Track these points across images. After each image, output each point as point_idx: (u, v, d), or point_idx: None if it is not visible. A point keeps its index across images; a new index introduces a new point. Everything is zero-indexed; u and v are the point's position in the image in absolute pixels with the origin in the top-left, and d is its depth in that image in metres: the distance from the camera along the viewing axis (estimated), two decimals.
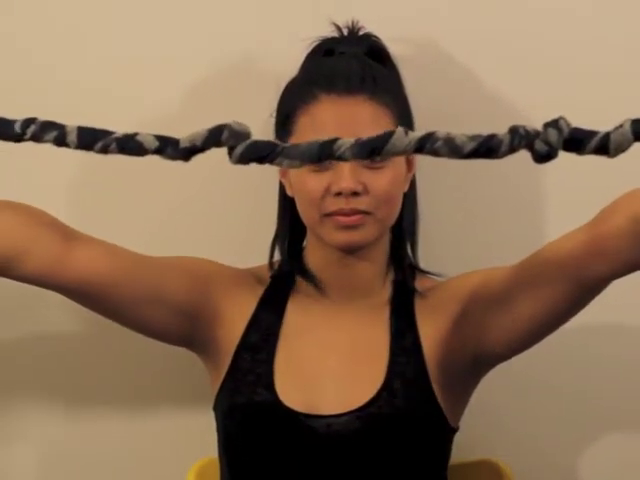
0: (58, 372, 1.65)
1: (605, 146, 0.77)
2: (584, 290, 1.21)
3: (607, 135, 0.77)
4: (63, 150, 1.55)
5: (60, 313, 1.63)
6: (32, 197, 1.60)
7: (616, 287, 1.61)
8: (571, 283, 1.21)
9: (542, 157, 0.79)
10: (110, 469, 1.68)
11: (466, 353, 1.32)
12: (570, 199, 1.59)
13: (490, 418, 1.64)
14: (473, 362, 1.33)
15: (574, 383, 1.65)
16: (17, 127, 0.93)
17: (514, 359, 1.61)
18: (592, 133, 0.77)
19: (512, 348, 1.32)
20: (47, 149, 1.58)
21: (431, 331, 1.33)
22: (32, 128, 0.93)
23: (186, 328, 1.37)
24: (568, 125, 0.77)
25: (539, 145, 0.78)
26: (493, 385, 1.56)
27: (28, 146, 1.57)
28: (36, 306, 1.63)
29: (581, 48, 1.55)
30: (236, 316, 1.37)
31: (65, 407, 1.66)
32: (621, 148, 0.77)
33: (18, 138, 0.94)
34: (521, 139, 0.77)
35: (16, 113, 1.59)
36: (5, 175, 1.61)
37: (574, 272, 1.19)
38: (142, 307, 1.34)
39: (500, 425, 1.66)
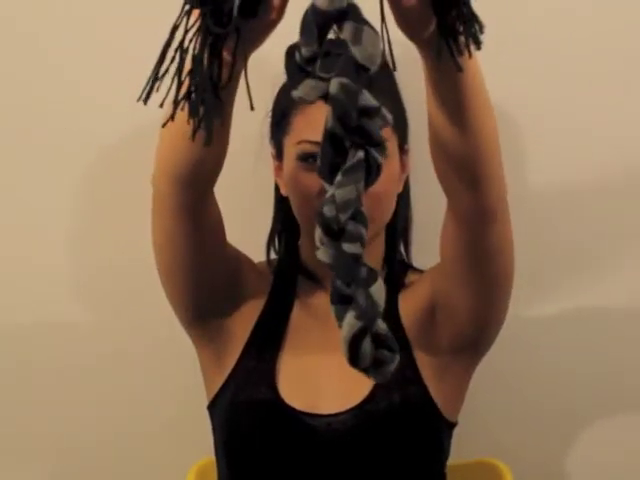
0: (58, 372, 1.65)
1: None
2: (472, 223, 1.19)
3: None
4: (67, 149, 1.58)
5: (61, 314, 1.64)
6: (35, 198, 1.62)
7: (612, 291, 1.63)
8: (461, 231, 1.20)
9: None
10: (110, 469, 1.68)
11: (443, 339, 1.32)
12: (567, 200, 1.59)
13: (489, 419, 1.64)
14: (452, 350, 1.33)
15: (575, 384, 1.65)
16: None
17: (515, 360, 1.62)
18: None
19: (478, 320, 1.30)
20: (48, 148, 1.60)
21: (413, 324, 1.34)
22: None
23: (223, 291, 1.35)
24: None
25: None
26: (492, 386, 1.57)
27: (30, 148, 1.59)
28: (39, 307, 1.64)
29: (580, 48, 1.55)
30: (249, 310, 1.37)
31: (65, 408, 1.66)
32: None
33: None
34: None
35: (16, 104, 1.60)
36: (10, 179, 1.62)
37: (461, 224, 1.19)
38: (215, 266, 1.32)
39: (499, 426, 1.66)
